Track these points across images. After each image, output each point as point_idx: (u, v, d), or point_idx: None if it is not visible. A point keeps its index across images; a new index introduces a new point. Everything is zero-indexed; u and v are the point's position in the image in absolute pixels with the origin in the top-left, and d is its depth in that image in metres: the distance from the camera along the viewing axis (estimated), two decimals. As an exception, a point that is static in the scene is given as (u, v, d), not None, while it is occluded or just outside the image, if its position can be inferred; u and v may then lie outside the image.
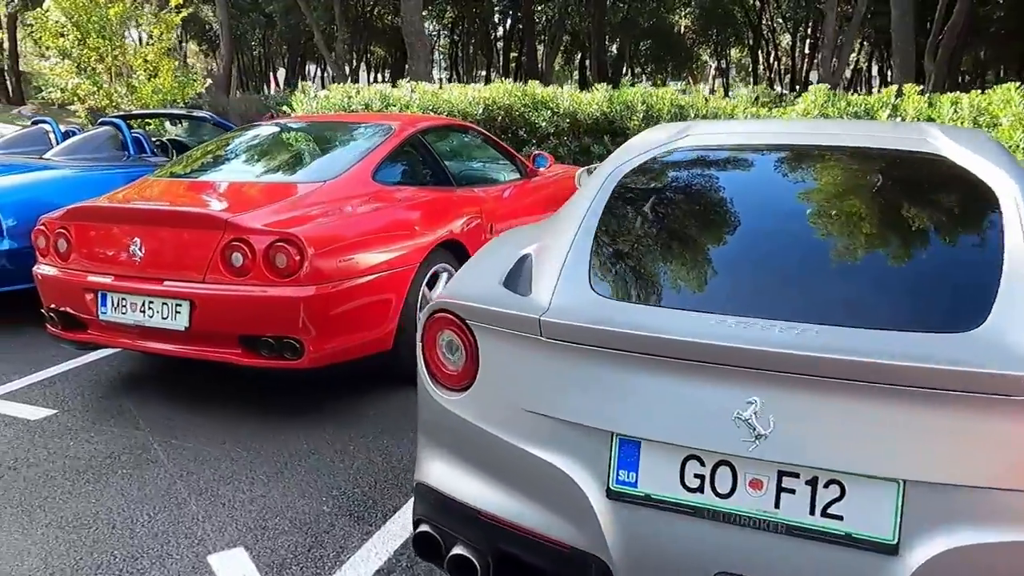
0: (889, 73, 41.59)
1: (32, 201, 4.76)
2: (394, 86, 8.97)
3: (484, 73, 44.88)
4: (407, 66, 19.70)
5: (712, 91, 25.05)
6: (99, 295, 3.41)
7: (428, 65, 19.74)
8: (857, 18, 22.73)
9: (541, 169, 5.22)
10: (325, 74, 43.53)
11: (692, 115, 7.35)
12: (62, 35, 8.52)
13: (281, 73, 46.37)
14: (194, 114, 6.62)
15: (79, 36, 8.30)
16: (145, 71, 8.63)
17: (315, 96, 9.21)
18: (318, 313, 3.15)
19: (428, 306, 1.89)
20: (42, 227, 3.62)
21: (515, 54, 44.90)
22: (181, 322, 3.23)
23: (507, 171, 4.99)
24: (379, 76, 43.89)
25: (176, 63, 8.83)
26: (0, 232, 4.58)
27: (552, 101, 7.86)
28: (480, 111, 8.13)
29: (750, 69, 49.31)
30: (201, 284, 3.19)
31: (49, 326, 3.73)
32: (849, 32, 23.47)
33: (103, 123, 5.72)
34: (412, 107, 8.47)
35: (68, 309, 3.57)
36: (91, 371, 4.14)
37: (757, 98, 7.81)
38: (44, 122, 5.98)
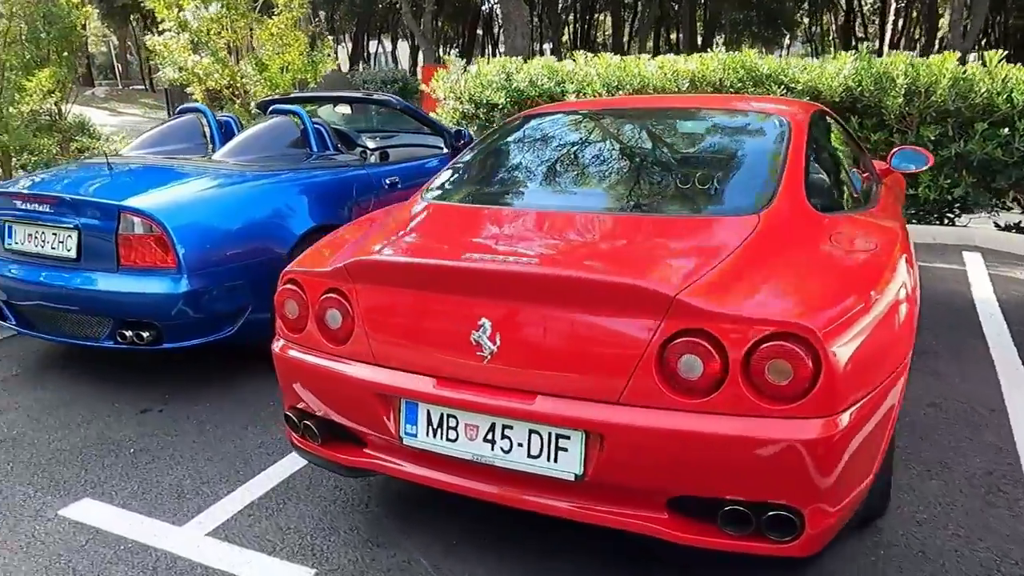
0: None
1: (211, 223, 3.48)
2: (532, 60, 7.50)
3: (550, 47, 42.88)
4: (503, 39, 18.17)
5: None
6: (404, 405, 2.07)
7: (525, 37, 18.21)
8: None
9: (918, 168, 3.67)
10: (402, 50, 42.26)
11: (982, 91, 5.72)
12: (178, 6, 7.27)
13: (341, 51, 45.14)
14: (375, 97, 5.25)
15: (198, 4, 7.03)
16: (272, 46, 7.33)
17: (465, 72, 7.81)
18: (830, 462, 1.75)
19: None
20: (292, 286, 2.28)
21: (583, 26, 42.91)
22: (569, 465, 1.87)
23: (868, 173, 3.50)
24: (447, 53, 42.23)
25: (307, 36, 7.53)
26: (177, 266, 3.28)
27: (783, 73, 6.30)
28: (684, 88, 6.63)
29: (830, 37, 46.25)
30: (613, 405, 1.82)
31: (295, 436, 2.42)
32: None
33: (275, 111, 4.40)
34: (593, 84, 7.02)
35: (337, 418, 2.25)
36: (327, 479, 2.83)
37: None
38: (195, 110, 4.69)
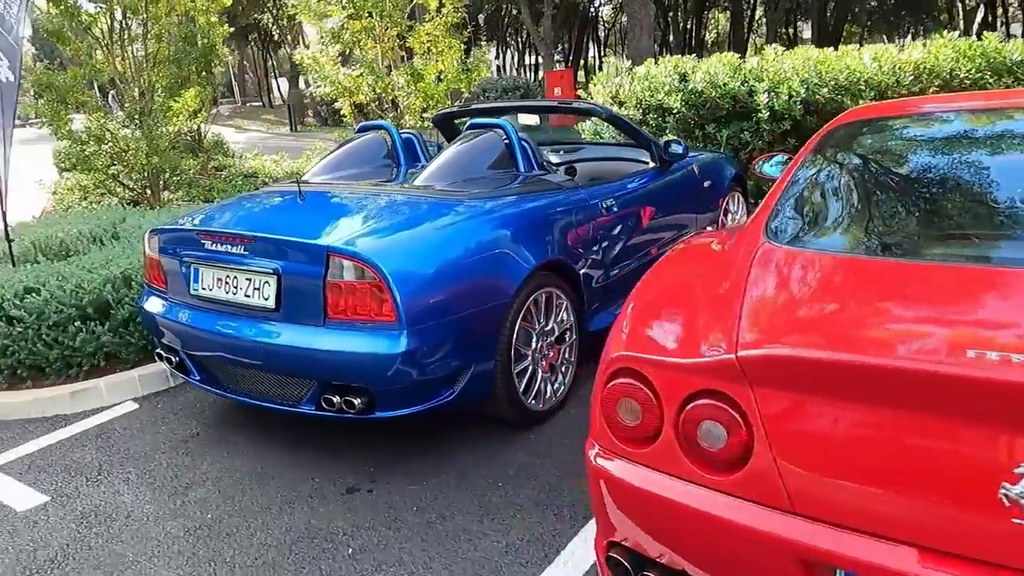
0: None
1: (430, 266, 2.86)
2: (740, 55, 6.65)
3: (657, 47, 41.45)
4: (610, 42, 17.36)
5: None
6: (846, 581, 1.33)
7: (651, 37, 17.31)
8: None
9: None
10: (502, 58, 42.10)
11: None
12: (328, 15, 6.88)
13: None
14: (574, 106, 4.61)
15: (353, 11, 6.59)
16: (424, 54, 6.82)
17: (630, 73, 7.09)
18: None
19: None
20: (633, 381, 1.58)
21: (695, 24, 41.34)
22: None
23: None
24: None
25: (462, 42, 6.99)
26: (396, 318, 2.67)
27: (1043, 60, 5.24)
28: (907, 81, 5.65)
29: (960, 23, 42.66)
30: None
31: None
32: None
33: (474, 126, 3.79)
34: (790, 82, 6.13)
35: (699, 574, 1.53)
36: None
37: None
38: (378, 127, 4.15)
